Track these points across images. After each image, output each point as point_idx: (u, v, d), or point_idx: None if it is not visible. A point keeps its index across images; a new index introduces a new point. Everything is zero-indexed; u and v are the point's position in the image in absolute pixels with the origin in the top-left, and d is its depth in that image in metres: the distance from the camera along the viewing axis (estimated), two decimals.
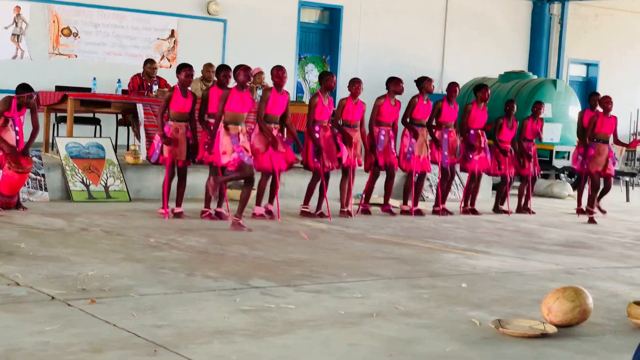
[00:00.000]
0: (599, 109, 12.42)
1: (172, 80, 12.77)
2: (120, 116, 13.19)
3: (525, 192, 12.70)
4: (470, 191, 12.23)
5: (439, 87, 18.18)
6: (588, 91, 17.63)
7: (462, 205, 12.18)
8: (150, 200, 10.99)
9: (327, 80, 10.53)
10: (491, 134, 12.23)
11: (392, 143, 11.21)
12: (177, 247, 7.84)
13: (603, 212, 12.87)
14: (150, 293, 5.77)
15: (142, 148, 11.65)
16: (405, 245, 8.82)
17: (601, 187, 12.70)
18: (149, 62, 13.16)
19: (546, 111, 15.29)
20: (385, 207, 11.44)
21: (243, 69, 9.21)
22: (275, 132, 10.00)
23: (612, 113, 12.24)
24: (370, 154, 11.11)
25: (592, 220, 12.05)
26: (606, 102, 12.23)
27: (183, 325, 4.96)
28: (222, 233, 8.88)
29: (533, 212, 12.63)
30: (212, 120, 9.60)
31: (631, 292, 6.82)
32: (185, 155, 9.71)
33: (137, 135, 12.28)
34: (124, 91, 12.70)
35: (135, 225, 9.08)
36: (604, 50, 21.24)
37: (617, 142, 12.76)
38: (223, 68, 9.96)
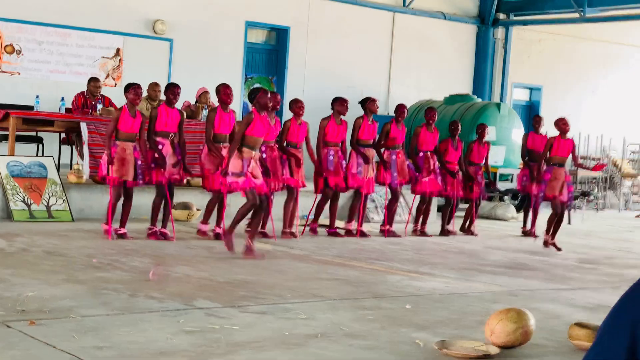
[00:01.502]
0: (556, 131, 11.67)
1: (117, 98, 12.71)
2: (63, 135, 13.02)
3: (470, 215, 12.82)
4: (421, 213, 12.30)
5: (385, 109, 18.31)
6: (531, 115, 17.88)
7: (412, 227, 12.25)
8: (94, 220, 10.84)
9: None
10: (438, 156, 12.32)
11: (343, 163, 11.22)
12: (121, 267, 7.74)
13: (558, 249, 11.49)
14: (91, 314, 5.68)
15: (85, 167, 11.51)
16: (350, 266, 8.83)
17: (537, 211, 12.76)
18: (93, 81, 13.02)
19: (490, 134, 15.49)
20: (331, 230, 11.44)
21: (267, 92, 9.28)
22: (225, 152, 9.97)
23: (568, 135, 12.00)
24: (318, 175, 11.12)
25: (555, 247, 11.46)
26: (563, 124, 11.65)
27: (125, 347, 4.89)
28: (166, 253, 8.79)
29: (476, 234, 12.73)
30: (159, 139, 9.58)
31: (573, 313, 6.89)
32: (132, 175, 9.62)
33: (81, 154, 12.13)
34: (67, 109, 12.54)
35: (78, 245, 8.95)
36: (547, 74, 21.59)
37: (578, 165, 12.85)
38: (172, 86, 9.92)
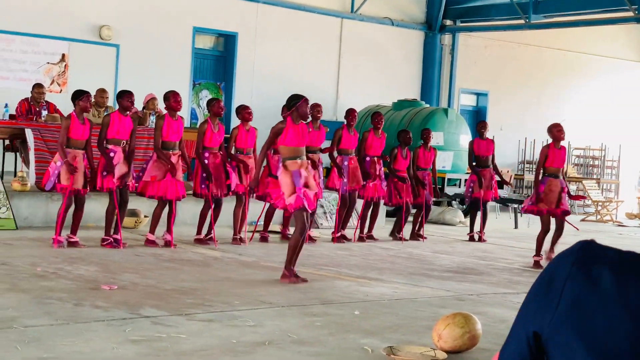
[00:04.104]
0: (549, 139, 10.70)
1: (63, 105, 12.53)
2: (7, 142, 12.81)
3: (419, 220, 12.89)
4: (366, 218, 12.33)
5: (334, 114, 18.35)
6: (478, 120, 18.03)
7: (359, 232, 12.27)
8: (39, 228, 10.69)
9: (214, 106, 10.52)
10: (387, 164, 12.38)
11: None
12: (65, 276, 7.63)
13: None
14: (35, 324, 5.59)
15: (31, 174, 11.33)
16: (298, 272, 8.80)
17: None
18: (37, 87, 12.82)
19: (438, 139, 15.60)
20: (284, 233, 11.42)
21: (305, 99, 8.23)
22: (174, 159, 9.91)
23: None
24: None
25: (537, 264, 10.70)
26: (557, 131, 10.44)
27: (69, 357, 4.81)
28: (112, 261, 8.69)
29: (425, 238, 12.81)
30: (110, 147, 9.50)
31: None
32: (82, 183, 9.50)
33: (26, 161, 11.94)
34: (11, 116, 12.35)
35: (22, 254, 8.81)
36: (493, 80, 21.81)
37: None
38: (126, 93, 9.80)
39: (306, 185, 8.05)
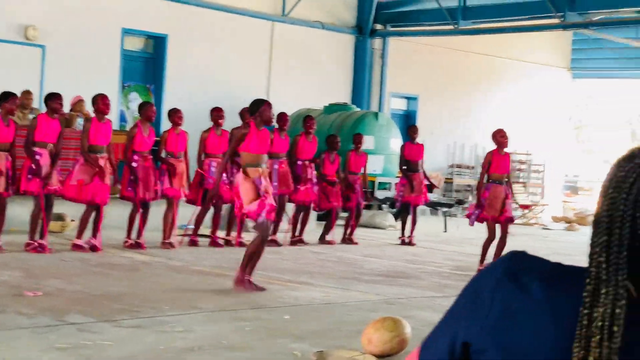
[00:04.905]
0: (493, 145, 10.52)
1: None
2: None
3: (349, 224, 12.93)
4: (297, 222, 12.32)
5: None
6: (408, 124, 18.17)
7: (290, 236, 12.23)
8: None
9: (146, 110, 10.43)
10: (317, 168, 12.39)
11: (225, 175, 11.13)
12: None
13: None
14: None
15: None
16: (229, 277, 8.73)
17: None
18: None
19: (368, 143, 15.66)
20: (214, 238, 11.34)
21: (268, 103, 8.05)
22: (102, 162, 9.76)
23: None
24: (198, 187, 11.01)
25: None
26: (501, 136, 10.37)
27: None
28: (37, 266, 8.51)
29: (356, 243, 12.84)
30: (37, 149, 9.31)
31: None
32: (4, 186, 9.29)
33: None
34: None
35: None
36: (423, 84, 22.00)
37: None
38: (55, 96, 9.62)
39: (266, 194, 7.90)
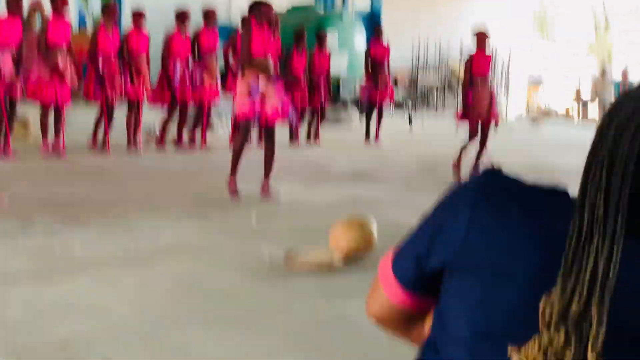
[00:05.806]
0: (474, 47, 10.25)
1: None
2: None
3: (314, 124, 12.92)
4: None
5: (227, 19, 18.02)
6: (373, 23, 17.96)
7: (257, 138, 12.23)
8: None
9: (110, 11, 10.30)
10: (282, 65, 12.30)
11: (187, 79, 11.04)
12: None
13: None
14: None
15: None
16: (195, 179, 8.75)
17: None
18: None
19: (333, 43, 15.53)
20: (179, 142, 11.31)
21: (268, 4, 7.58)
22: (62, 63, 9.63)
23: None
24: (162, 89, 10.94)
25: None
26: (481, 38, 10.14)
27: None
28: (1, 172, 8.45)
29: (319, 142, 12.86)
30: None
31: (412, 219, 7.06)
32: None
33: None
34: None
35: None
36: None
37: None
38: None
39: (263, 98, 7.53)
